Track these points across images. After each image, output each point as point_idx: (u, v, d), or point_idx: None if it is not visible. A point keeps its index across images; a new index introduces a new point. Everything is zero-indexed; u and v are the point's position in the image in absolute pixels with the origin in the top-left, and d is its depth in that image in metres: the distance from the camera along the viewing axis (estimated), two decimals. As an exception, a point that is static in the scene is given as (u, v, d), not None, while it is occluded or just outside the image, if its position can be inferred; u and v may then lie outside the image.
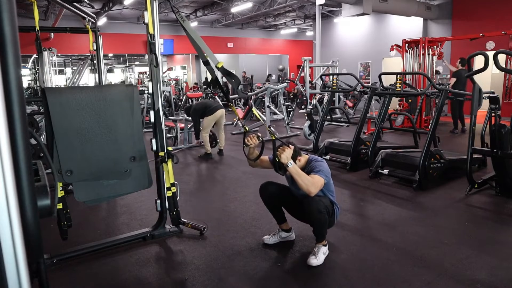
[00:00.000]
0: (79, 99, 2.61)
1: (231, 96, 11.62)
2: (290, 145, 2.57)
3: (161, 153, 2.97)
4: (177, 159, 3.01)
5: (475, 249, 2.83)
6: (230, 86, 13.64)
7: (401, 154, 4.69)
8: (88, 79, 17.07)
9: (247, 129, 2.83)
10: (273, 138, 2.57)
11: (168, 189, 3.08)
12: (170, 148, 3.00)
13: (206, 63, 2.69)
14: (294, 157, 2.61)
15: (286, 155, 2.49)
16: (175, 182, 3.26)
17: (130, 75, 23.42)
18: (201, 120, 6.23)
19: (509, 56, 8.72)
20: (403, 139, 7.21)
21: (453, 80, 7.78)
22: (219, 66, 2.55)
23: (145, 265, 2.74)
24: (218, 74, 3.01)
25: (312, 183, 2.48)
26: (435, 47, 8.87)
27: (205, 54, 2.63)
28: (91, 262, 2.79)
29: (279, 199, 2.89)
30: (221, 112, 6.12)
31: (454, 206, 3.78)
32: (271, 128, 2.74)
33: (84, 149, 2.63)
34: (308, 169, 2.65)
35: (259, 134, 2.74)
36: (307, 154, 2.85)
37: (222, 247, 2.97)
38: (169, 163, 3.03)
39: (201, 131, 6.18)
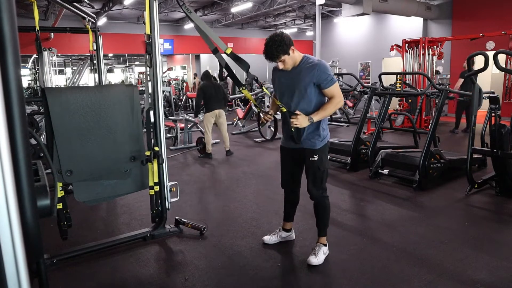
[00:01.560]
0: (79, 99, 2.61)
1: (231, 97, 11.63)
2: (297, 112, 2.45)
3: (147, 153, 2.97)
4: (162, 160, 3.00)
5: (475, 249, 2.83)
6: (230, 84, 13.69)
7: (401, 154, 4.69)
8: (88, 79, 17.07)
9: (260, 109, 2.92)
10: (284, 110, 2.52)
11: (151, 187, 3.07)
12: (156, 148, 2.99)
13: (215, 51, 2.73)
14: (287, 51, 2.43)
15: (301, 121, 2.42)
16: (175, 182, 3.27)
17: (130, 75, 23.44)
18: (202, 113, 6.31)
19: (509, 56, 8.72)
20: (403, 139, 7.21)
21: (461, 80, 7.75)
22: (228, 52, 2.63)
23: (145, 265, 2.74)
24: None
25: (336, 105, 2.50)
26: (435, 47, 8.87)
27: (213, 43, 2.69)
28: (91, 262, 2.79)
29: (296, 170, 2.80)
30: (219, 112, 6.14)
31: (454, 206, 3.78)
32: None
33: (84, 149, 2.63)
34: (312, 74, 2.43)
35: (272, 112, 2.73)
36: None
37: (222, 247, 2.97)
38: (155, 162, 3.02)
39: (204, 131, 6.22)
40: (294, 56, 2.48)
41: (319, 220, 2.74)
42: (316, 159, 2.57)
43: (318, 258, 2.63)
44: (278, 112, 2.73)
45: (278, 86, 2.62)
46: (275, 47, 2.40)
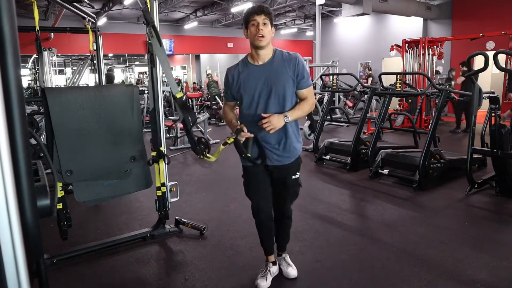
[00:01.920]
0: (79, 99, 2.60)
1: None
2: (264, 115, 2.02)
3: (153, 153, 2.98)
4: (168, 160, 3.00)
5: (475, 249, 2.83)
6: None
7: (401, 154, 4.69)
8: (88, 79, 17.08)
9: (231, 138, 2.09)
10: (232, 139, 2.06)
11: (158, 188, 3.09)
12: (162, 148, 3.00)
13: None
14: (272, 23, 2.09)
15: (275, 122, 1.99)
16: (175, 182, 3.27)
17: (130, 75, 23.44)
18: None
19: (509, 56, 8.71)
20: (403, 139, 7.21)
21: (461, 79, 7.83)
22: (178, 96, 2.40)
23: (145, 265, 2.74)
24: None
25: (311, 107, 2.15)
26: (435, 47, 8.87)
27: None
28: (91, 262, 2.79)
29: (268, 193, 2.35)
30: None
31: (454, 206, 3.78)
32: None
33: (84, 149, 2.62)
34: (293, 69, 2.07)
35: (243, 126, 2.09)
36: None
37: (222, 247, 2.97)
38: (161, 163, 3.03)
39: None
40: (270, 40, 2.08)
41: (285, 236, 2.51)
42: (298, 175, 2.27)
43: (294, 266, 2.51)
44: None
45: (246, 89, 2.11)
46: (266, 6, 2.06)
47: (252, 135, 2.07)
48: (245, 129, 2.05)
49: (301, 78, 2.08)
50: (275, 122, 1.99)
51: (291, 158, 2.19)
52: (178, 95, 2.39)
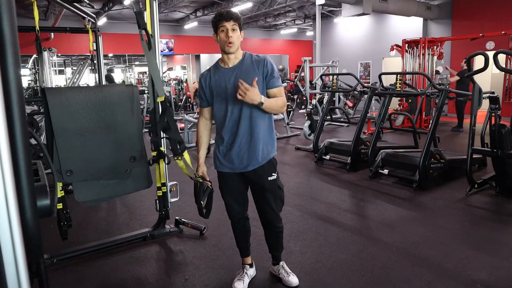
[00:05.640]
0: (79, 99, 2.61)
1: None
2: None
3: (153, 153, 2.98)
4: (168, 160, 3.00)
5: (475, 249, 2.83)
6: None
7: (401, 154, 4.69)
8: (88, 79, 17.07)
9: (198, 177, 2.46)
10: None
11: (159, 188, 3.09)
12: (162, 148, 3.00)
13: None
14: (241, 27, 2.13)
15: (251, 94, 1.93)
16: (175, 182, 3.27)
17: (130, 75, 23.43)
18: None
19: (509, 56, 8.72)
20: (403, 139, 7.21)
21: (455, 78, 7.94)
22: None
23: (145, 265, 2.74)
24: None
25: (283, 104, 2.12)
26: (435, 47, 8.87)
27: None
28: (91, 262, 2.79)
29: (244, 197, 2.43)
30: None
31: (454, 206, 3.78)
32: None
33: (84, 149, 2.62)
34: (262, 69, 2.10)
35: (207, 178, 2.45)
36: None
37: (222, 247, 2.97)
38: (161, 163, 3.03)
39: None
40: (240, 44, 2.13)
41: (279, 247, 2.48)
42: (276, 176, 2.24)
43: (293, 274, 2.47)
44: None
45: (217, 91, 2.13)
46: (234, 13, 2.08)
47: (210, 187, 2.41)
48: (207, 178, 2.39)
49: (270, 77, 2.09)
50: (250, 93, 1.92)
51: (262, 161, 2.17)
52: (160, 99, 2.70)
